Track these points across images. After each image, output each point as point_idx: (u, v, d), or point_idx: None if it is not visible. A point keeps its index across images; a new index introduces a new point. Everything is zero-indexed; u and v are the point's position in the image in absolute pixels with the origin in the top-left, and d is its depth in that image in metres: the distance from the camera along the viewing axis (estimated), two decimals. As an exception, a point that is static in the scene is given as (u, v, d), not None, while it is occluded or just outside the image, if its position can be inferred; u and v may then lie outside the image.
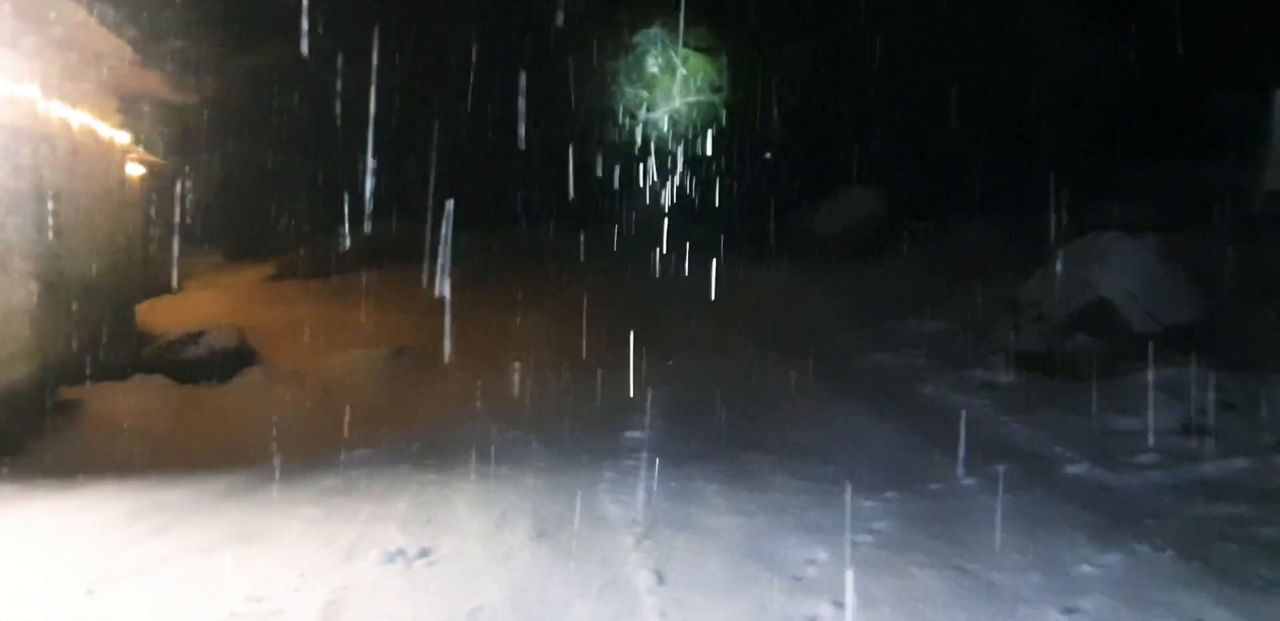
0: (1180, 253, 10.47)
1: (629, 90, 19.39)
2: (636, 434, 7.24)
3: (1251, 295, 9.83)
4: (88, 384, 8.41)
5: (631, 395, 7.89)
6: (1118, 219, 12.34)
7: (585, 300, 11.88)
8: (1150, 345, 8.60)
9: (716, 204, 18.34)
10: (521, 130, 15.16)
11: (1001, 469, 6.06)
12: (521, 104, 14.76)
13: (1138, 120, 17.02)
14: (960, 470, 6.30)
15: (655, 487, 5.99)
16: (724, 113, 19.94)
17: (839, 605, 4.32)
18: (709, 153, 19.13)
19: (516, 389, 8.50)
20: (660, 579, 4.63)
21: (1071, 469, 6.31)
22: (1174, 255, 10.35)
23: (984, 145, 16.00)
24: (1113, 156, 16.40)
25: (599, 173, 17.53)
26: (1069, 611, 4.27)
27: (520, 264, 15.56)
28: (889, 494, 5.86)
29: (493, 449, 6.87)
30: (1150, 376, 7.96)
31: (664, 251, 16.23)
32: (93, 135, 9.75)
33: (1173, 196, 13.86)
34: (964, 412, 7.62)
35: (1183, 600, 4.33)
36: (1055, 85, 16.49)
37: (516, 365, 8.73)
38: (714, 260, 15.22)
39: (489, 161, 17.19)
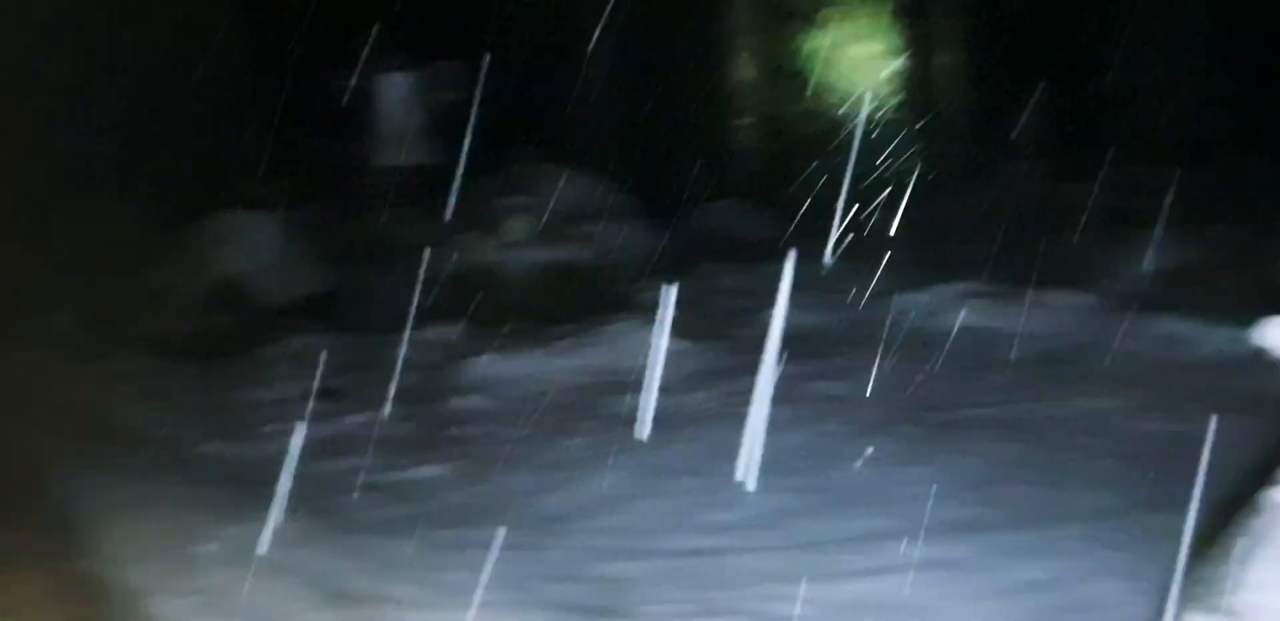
0: (308, 226, 11.12)
1: None
2: None
3: (370, 262, 10.80)
4: None
5: None
6: (254, 196, 12.72)
7: None
8: (281, 318, 8.98)
9: None
10: None
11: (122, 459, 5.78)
12: None
13: (285, 99, 17.60)
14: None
15: None
16: None
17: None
18: None
19: None
20: None
21: (202, 448, 6.28)
22: (301, 229, 10.96)
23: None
24: (257, 134, 16.75)
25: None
26: (193, 593, 4.22)
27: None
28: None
29: None
30: (280, 348, 8.28)
31: None
32: None
33: (310, 173, 14.69)
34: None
35: (297, 556, 4.53)
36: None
37: None
38: None
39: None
